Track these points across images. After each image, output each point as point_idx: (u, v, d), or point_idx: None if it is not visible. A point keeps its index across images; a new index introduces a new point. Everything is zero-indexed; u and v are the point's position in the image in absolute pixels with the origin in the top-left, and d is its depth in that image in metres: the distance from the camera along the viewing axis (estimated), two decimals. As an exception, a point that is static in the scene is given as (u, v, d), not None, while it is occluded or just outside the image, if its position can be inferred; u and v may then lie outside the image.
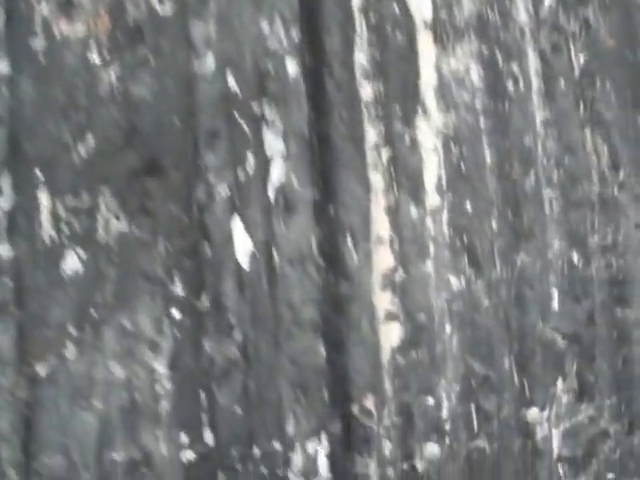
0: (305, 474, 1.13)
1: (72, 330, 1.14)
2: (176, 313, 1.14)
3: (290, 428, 1.13)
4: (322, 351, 1.14)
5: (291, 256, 1.13)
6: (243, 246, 1.13)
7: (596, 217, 1.35)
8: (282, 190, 1.14)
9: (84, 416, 1.13)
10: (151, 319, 1.14)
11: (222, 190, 1.13)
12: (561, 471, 1.35)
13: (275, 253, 1.13)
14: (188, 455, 1.13)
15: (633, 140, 1.39)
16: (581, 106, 1.36)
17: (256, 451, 1.13)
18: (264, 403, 1.12)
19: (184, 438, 1.13)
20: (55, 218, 1.16)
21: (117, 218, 1.15)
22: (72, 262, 1.15)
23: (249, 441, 1.12)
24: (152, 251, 1.15)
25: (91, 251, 1.15)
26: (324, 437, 1.14)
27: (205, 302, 1.13)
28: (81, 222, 1.15)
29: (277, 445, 1.13)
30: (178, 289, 1.14)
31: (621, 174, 1.37)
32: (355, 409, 1.20)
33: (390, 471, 1.23)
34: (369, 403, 1.20)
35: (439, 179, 1.25)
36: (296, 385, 1.13)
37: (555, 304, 1.31)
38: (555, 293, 1.31)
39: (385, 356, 1.23)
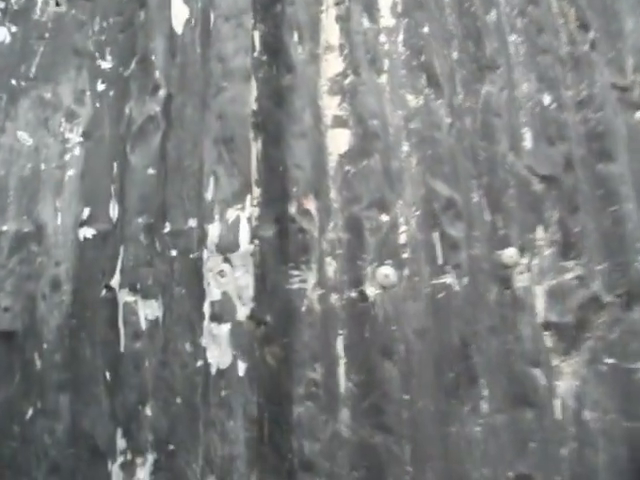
0: (221, 249, 0.93)
1: (-13, 94, 1.04)
2: (101, 86, 1.03)
3: (209, 195, 0.95)
4: (252, 99, 1.00)
5: (228, 13, 1.04)
6: (180, 14, 1.05)
7: (568, 74, 1.26)
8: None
9: (-21, 181, 0.99)
10: (73, 91, 1.03)
11: (164, -38, 1.08)
12: (549, 343, 1.11)
13: (212, 15, 1.04)
14: (86, 232, 0.95)
15: (601, 10, 1.33)
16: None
17: (167, 227, 0.95)
18: (183, 170, 0.96)
19: (86, 211, 0.96)
20: (-11, -5, 1.11)
21: (57, 3, 1.09)
22: (1, 34, 1.08)
23: (161, 213, 0.94)
24: (86, 29, 1.07)
25: (23, 26, 1.08)
26: (248, 205, 0.96)
27: (134, 68, 1.03)
28: (18, 1, 1.09)
29: (192, 222, 0.95)
30: (107, 63, 1.04)
31: (591, 34, 1.29)
32: (293, 210, 1.03)
33: (334, 297, 1.02)
34: (310, 204, 1.04)
35: (394, 3, 1.19)
36: (220, 141, 0.98)
37: (528, 143, 1.18)
38: (528, 133, 1.18)
39: (331, 162, 1.08)
